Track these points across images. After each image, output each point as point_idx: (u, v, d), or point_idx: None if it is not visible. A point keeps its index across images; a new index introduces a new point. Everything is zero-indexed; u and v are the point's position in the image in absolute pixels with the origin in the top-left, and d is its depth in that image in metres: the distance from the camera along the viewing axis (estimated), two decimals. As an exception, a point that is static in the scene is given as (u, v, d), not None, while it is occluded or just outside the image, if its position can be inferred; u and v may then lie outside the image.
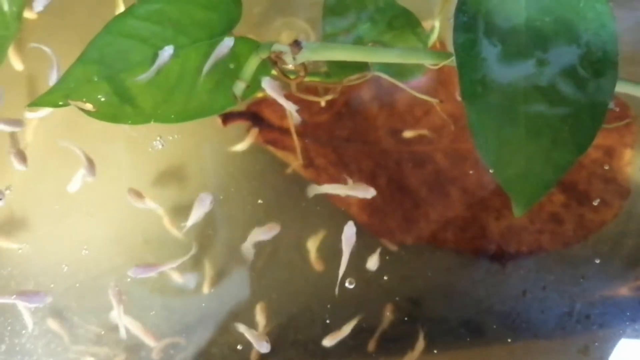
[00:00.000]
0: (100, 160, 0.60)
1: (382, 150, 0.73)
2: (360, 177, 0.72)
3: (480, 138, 0.43)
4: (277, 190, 0.70)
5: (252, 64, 0.42)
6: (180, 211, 0.64)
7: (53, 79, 0.49)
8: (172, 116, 0.44)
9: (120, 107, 0.43)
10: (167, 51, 0.42)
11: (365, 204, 0.71)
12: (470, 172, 0.71)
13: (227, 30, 0.47)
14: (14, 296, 0.54)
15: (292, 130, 0.64)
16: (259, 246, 0.63)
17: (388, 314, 0.57)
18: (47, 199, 0.64)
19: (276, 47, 0.41)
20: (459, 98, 0.43)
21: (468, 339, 0.57)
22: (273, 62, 0.42)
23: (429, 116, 0.73)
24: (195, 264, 0.66)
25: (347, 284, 0.57)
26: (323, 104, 0.60)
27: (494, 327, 0.57)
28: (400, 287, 0.59)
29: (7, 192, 0.61)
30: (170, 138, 0.63)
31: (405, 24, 0.48)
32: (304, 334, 0.62)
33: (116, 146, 0.64)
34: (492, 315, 0.57)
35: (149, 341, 0.61)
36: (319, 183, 0.69)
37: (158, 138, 0.62)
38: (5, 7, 0.46)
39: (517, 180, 0.43)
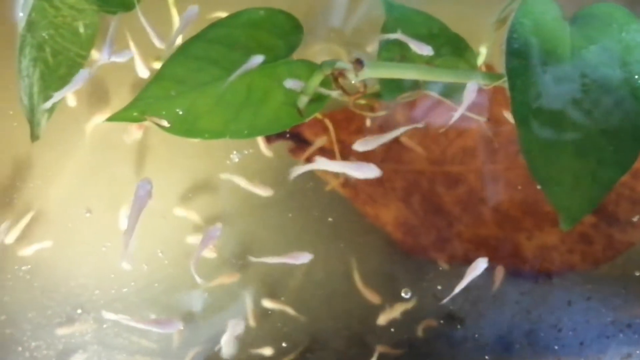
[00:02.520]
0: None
1: (415, 170, 0.76)
2: (395, 196, 0.76)
3: (530, 156, 0.47)
4: (314, 207, 0.74)
5: (315, 80, 0.47)
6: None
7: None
8: (237, 133, 0.48)
9: (194, 123, 0.47)
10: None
11: (399, 222, 0.75)
12: (502, 192, 0.75)
13: (289, 53, 0.51)
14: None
15: (336, 150, 0.68)
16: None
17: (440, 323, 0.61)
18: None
19: (339, 65, 0.45)
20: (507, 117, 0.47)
21: (517, 346, 0.61)
22: (334, 78, 0.46)
23: (461, 138, 0.77)
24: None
25: (402, 294, 0.60)
26: (368, 123, 0.65)
27: (542, 334, 0.61)
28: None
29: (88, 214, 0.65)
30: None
31: (456, 48, 0.52)
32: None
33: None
34: (541, 324, 0.61)
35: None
36: (356, 201, 0.73)
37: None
38: (81, 30, 0.51)
39: (564, 197, 0.47)
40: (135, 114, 0.48)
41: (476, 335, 0.60)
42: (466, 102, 0.48)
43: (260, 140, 0.69)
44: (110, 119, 0.47)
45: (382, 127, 0.76)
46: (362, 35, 0.71)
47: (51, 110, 0.49)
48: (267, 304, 0.69)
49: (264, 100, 0.49)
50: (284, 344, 0.69)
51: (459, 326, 0.61)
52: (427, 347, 0.63)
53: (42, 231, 0.70)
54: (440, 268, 0.66)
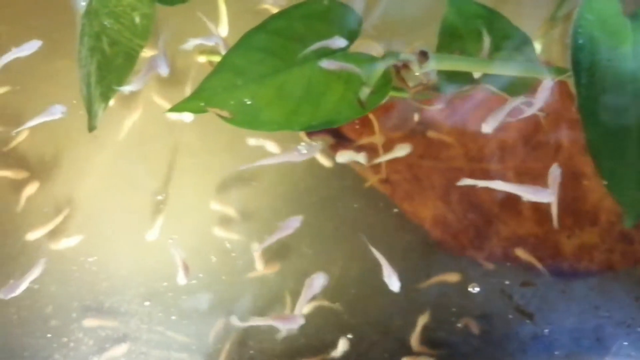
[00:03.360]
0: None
1: (454, 167, 0.76)
2: (433, 193, 0.76)
3: (595, 151, 0.47)
4: (354, 203, 0.73)
5: (377, 71, 0.47)
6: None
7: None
8: (298, 125, 0.48)
9: (255, 115, 0.47)
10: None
11: (437, 220, 0.75)
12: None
13: (348, 45, 0.51)
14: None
15: (380, 146, 0.68)
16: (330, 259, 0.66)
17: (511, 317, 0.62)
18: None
19: (403, 57, 0.45)
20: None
21: (586, 342, 0.61)
22: (397, 70, 0.46)
23: (499, 135, 0.77)
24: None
25: (470, 289, 0.60)
26: (417, 118, 0.65)
27: (610, 330, 0.61)
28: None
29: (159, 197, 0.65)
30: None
31: (516, 42, 0.52)
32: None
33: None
34: (609, 319, 0.62)
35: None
36: (394, 198, 0.73)
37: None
38: (137, 20, 0.50)
39: (629, 194, 0.47)
40: (197, 104, 0.48)
41: (545, 331, 0.60)
42: (541, 97, 0.48)
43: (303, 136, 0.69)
44: (172, 110, 0.47)
45: (422, 121, 0.76)
46: (396, 30, 0.71)
47: (107, 101, 0.49)
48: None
49: (324, 93, 0.49)
50: (322, 338, 0.69)
51: (528, 321, 0.61)
52: (497, 342, 0.63)
53: (84, 224, 0.70)
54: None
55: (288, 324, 0.56)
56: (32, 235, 0.66)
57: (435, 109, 0.59)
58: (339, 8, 0.51)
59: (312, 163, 0.71)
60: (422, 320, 0.64)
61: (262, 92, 0.48)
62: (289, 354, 0.68)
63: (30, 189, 0.68)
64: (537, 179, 0.75)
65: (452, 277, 0.66)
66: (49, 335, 0.67)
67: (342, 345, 0.64)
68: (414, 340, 0.63)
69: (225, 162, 0.72)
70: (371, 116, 0.69)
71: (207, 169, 0.72)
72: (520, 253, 0.67)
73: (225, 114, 0.47)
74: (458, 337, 0.64)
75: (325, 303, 0.69)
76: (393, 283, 0.56)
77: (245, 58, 0.48)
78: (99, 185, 0.71)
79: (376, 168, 0.75)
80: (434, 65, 0.46)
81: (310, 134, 0.73)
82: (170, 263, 0.67)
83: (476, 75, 0.53)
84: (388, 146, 0.76)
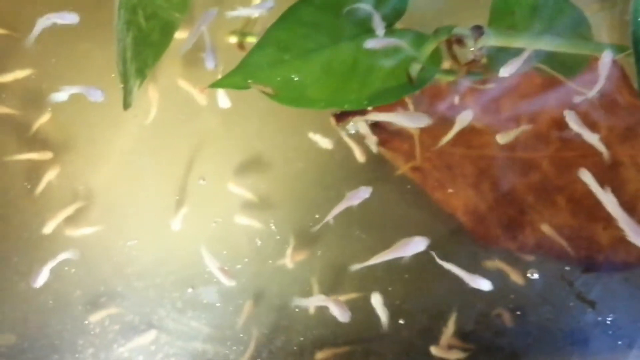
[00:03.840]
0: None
1: (486, 155, 0.74)
2: (464, 182, 0.74)
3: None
4: (384, 191, 0.71)
5: (429, 46, 0.45)
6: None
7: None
8: (344, 103, 0.46)
9: (300, 91, 0.45)
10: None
11: (469, 209, 0.73)
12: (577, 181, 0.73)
13: (394, 22, 0.49)
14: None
15: (416, 134, 0.66)
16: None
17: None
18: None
19: (457, 31, 0.43)
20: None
21: None
22: (449, 45, 0.44)
23: (533, 123, 0.75)
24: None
25: (529, 275, 0.59)
26: (457, 100, 0.63)
27: None
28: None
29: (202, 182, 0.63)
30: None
31: (571, 20, 0.50)
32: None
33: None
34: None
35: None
36: (425, 186, 0.71)
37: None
38: (175, -5, 0.48)
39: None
40: (240, 80, 0.45)
41: (608, 320, 0.58)
42: (603, 74, 0.46)
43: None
44: (213, 85, 0.45)
45: (452, 108, 0.74)
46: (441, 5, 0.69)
47: (143, 78, 0.47)
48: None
49: (371, 70, 0.47)
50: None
51: (590, 309, 0.59)
52: (557, 330, 0.62)
53: (107, 210, 0.68)
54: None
55: (341, 311, 0.54)
56: (51, 223, 0.65)
57: (487, 88, 0.56)
58: (387, -18, 0.49)
59: (345, 151, 0.69)
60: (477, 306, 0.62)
61: (308, 68, 0.46)
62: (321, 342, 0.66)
63: (52, 173, 0.66)
64: (573, 166, 0.73)
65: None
66: (75, 321, 0.64)
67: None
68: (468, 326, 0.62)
69: (251, 148, 0.70)
70: (407, 100, 0.67)
71: (232, 156, 0.69)
72: (546, 229, 0.65)
73: (269, 90, 0.44)
74: (517, 325, 0.62)
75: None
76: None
77: (290, 32, 0.46)
78: (122, 171, 0.69)
79: (408, 156, 0.73)
80: (489, 40, 0.43)
81: (338, 119, 0.71)
82: (195, 250, 0.65)
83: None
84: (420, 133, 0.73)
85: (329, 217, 0.59)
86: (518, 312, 0.60)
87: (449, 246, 0.70)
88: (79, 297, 0.65)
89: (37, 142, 0.68)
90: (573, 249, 0.72)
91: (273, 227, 0.68)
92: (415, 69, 0.45)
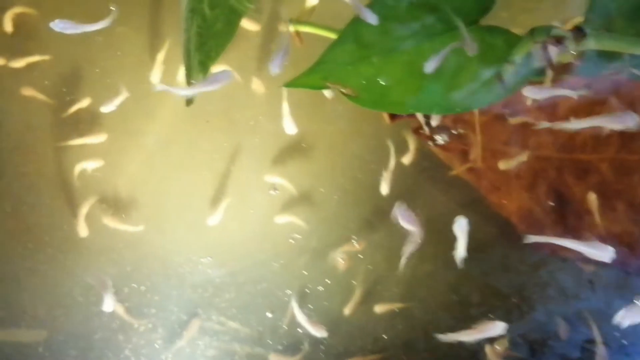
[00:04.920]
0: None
1: (542, 157, 0.71)
2: (519, 184, 0.70)
3: None
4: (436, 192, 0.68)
5: (523, 47, 0.41)
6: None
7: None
8: (430, 107, 0.42)
9: (382, 93, 0.41)
10: None
11: (523, 213, 0.70)
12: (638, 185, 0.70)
13: (479, 19, 0.45)
14: None
15: (477, 133, 0.62)
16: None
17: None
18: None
19: (556, 32, 0.39)
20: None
21: None
22: (544, 47, 0.41)
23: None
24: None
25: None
26: (530, 102, 0.59)
27: None
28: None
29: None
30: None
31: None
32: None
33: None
34: None
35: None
36: (479, 187, 0.68)
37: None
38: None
39: None
40: (317, 79, 0.42)
41: None
42: None
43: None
44: (290, 85, 0.41)
45: (508, 105, 0.70)
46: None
47: (206, 71, 0.43)
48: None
49: (458, 71, 0.43)
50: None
51: None
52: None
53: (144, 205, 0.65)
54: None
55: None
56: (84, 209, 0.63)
57: (577, 93, 0.53)
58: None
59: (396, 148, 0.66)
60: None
61: (390, 67, 0.42)
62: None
63: (92, 163, 0.62)
64: (634, 170, 0.70)
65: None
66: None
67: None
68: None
69: (291, 142, 0.66)
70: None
71: (272, 150, 0.67)
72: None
73: (349, 91, 0.40)
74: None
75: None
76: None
77: (370, 29, 0.42)
78: (160, 163, 0.66)
79: (464, 156, 0.70)
80: (591, 44, 0.40)
81: (393, 117, 0.67)
82: (232, 248, 0.64)
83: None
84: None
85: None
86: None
87: (503, 250, 0.66)
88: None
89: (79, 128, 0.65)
90: (633, 258, 0.69)
91: (314, 225, 0.65)
92: (507, 71, 0.41)
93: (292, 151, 0.66)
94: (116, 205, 0.66)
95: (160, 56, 0.63)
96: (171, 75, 0.65)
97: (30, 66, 0.66)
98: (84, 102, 0.64)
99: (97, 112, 0.63)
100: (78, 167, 0.64)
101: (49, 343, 0.63)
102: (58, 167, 0.65)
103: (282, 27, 0.56)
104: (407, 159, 0.65)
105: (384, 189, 0.61)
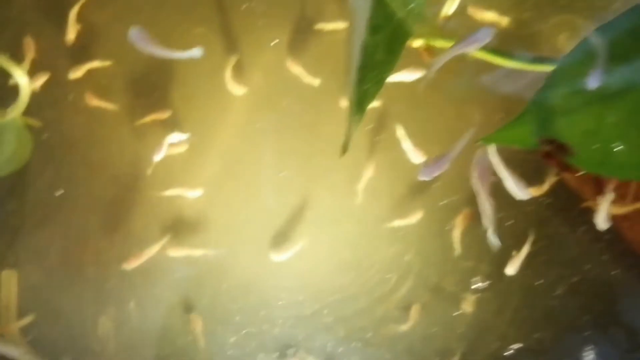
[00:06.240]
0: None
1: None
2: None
3: None
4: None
5: None
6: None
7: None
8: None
9: (605, 151, 0.31)
10: None
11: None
12: None
13: None
14: None
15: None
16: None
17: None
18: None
19: None
20: None
21: None
22: None
23: None
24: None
25: None
26: None
27: None
28: None
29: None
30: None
31: None
32: None
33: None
34: None
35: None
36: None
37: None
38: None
39: None
40: (523, 132, 0.32)
41: None
42: None
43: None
44: (489, 141, 0.31)
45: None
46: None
47: (361, 114, 0.34)
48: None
49: None
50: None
51: None
52: None
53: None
54: None
55: None
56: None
57: None
58: None
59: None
60: None
61: (611, 116, 0.32)
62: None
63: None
64: None
65: None
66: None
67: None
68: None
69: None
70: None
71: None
72: None
73: (569, 150, 0.31)
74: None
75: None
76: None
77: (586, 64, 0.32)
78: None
79: (596, 185, 0.60)
80: None
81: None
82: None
83: None
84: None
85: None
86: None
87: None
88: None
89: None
90: None
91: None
92: None
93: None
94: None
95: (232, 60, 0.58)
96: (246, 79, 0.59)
97: (91, 73, 0.60)
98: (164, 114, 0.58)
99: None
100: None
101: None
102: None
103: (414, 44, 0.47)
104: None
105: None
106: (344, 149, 0.35)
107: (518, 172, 0.40)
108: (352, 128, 0.33)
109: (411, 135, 0.57)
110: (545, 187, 0.56)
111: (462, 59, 0.47)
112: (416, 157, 0.53)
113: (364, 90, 0.34)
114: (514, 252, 0.56)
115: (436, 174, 0.40)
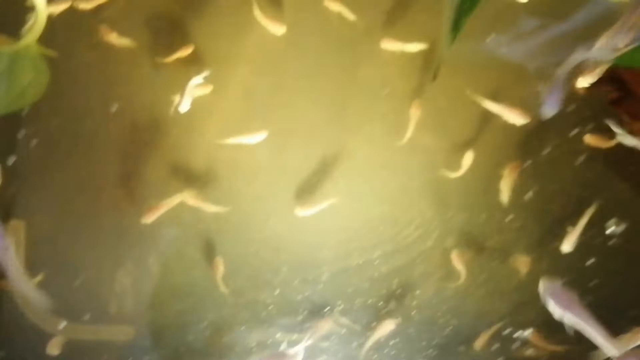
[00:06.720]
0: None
1: None
2: None
3: None
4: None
5: None
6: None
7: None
8: None
9: None
10: None
11: None
12: None
13: None
14: None
15: None
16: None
17: None
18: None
19: None
20: None
21: None
22: None
23: None
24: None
25: None
26: None
27: None
28: None
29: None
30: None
31: None
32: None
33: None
34: None
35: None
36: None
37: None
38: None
39: None
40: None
41: None
42: None
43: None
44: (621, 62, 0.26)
45: None
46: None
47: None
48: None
49: None
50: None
51: None
52: None
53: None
54: None
55: None
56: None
57: None
58: None
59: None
60: None
61: None
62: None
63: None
64: None
65: None
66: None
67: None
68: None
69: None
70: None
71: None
72: None
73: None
74: None
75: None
76: None
77: None
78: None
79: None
80: None
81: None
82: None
83: None
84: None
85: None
86: None
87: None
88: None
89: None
90: None
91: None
92: None
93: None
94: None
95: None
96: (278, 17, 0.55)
97: (108, 7, 0.54)
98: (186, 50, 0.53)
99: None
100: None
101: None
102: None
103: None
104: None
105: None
106: (435, 74, 0.31)
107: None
108: (446, 47, 0.29)
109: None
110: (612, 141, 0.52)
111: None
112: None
113: (462, 7, 0.29)
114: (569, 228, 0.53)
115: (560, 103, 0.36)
